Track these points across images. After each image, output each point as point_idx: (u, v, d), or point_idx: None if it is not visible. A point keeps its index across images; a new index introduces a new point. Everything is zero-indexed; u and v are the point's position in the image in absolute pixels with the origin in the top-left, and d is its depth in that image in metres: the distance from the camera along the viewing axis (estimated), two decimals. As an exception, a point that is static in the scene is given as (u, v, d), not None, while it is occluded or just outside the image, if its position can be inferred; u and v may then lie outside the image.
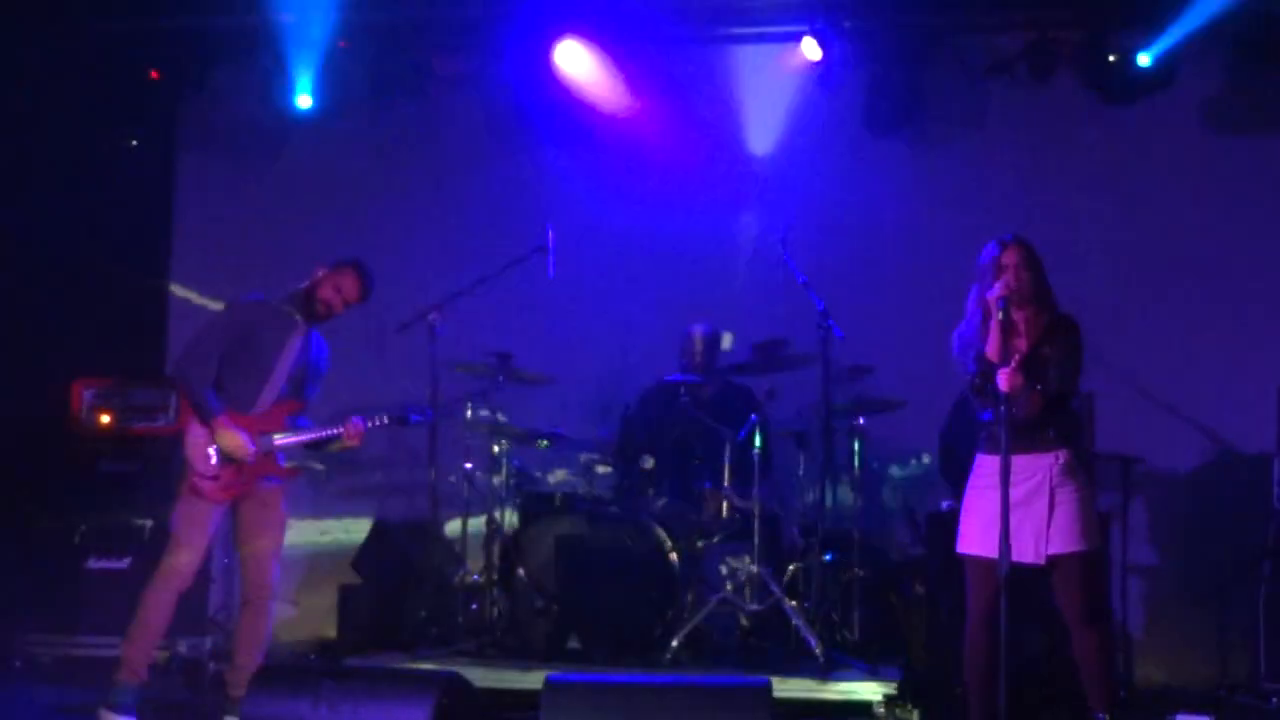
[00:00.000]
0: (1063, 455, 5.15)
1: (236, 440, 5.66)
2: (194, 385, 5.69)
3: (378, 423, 5.99)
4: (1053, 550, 5.09)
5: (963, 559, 5.24)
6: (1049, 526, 5.09)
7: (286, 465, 5.93)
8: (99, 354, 7.87)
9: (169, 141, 8.65)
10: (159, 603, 5.71)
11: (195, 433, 5.71)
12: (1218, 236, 7.61)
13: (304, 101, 8.10)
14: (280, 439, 5.82)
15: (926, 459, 7.46)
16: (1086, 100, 7.65)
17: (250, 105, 8.44)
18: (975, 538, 5.17)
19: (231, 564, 7.92)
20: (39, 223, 7.88)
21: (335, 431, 5.90)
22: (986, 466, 5.18)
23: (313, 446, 6.02)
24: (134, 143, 8.38)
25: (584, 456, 7.45)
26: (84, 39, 8.00)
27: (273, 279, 8.37)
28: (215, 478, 5.70)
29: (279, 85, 8.11)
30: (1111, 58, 7.38)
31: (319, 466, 7.13)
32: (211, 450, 5.69)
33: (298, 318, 5.89)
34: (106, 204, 8.18)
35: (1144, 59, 7.29)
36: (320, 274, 5.92)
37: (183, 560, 5.73)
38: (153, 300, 8.53)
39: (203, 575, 7.40)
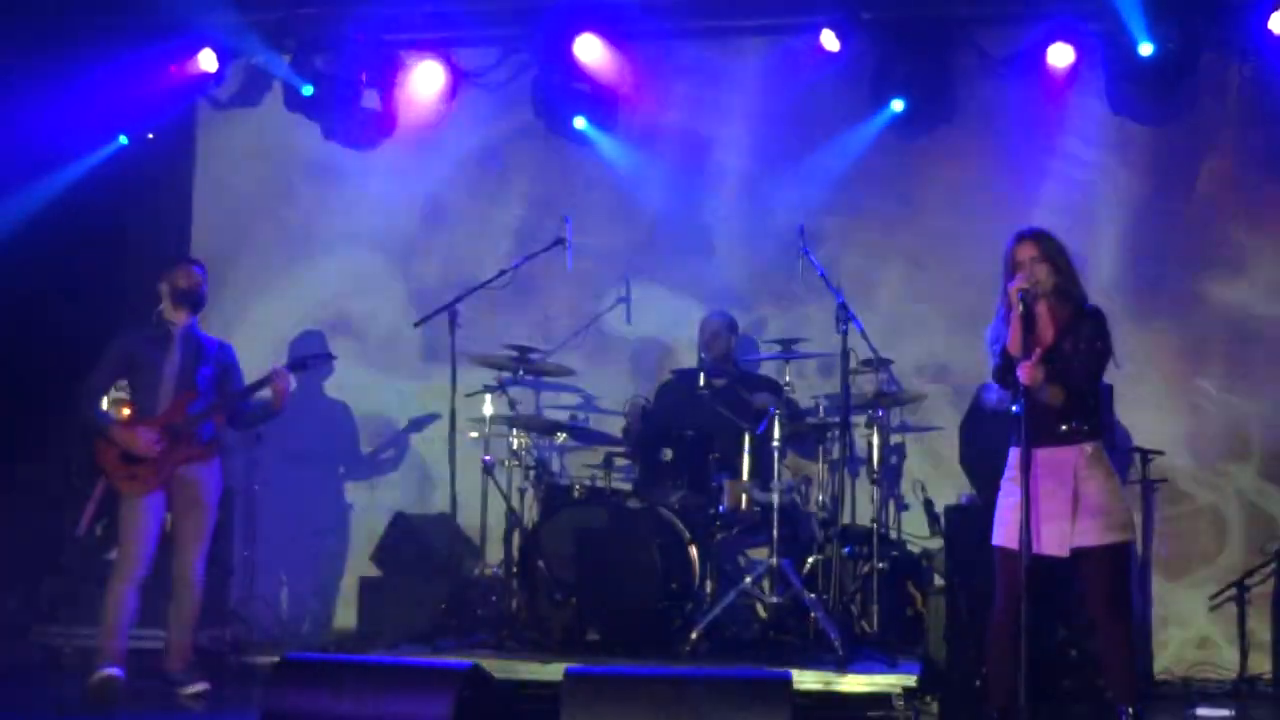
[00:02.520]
0: (1089, 447, 5.14)
1: (133, 437, 6.31)
2: (86, 412, 6.45)
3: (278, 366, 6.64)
4: (1078, 543, 5.08)
5: (994, 550, 5.24)
6: (1074, 519, 5.08)
7: (201, 445, 6.48)
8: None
9: (189, 135, 8.65)
10: (115, 595, 6.27)
11: (101, 445, 6.41)
12: (1242, 226, 7.56)
13: (319, 93, 8.07)
14: (196, 413, 6.45)
15: (946, 451, 7.44)
16: (1107, 90, 7.61)
17: (268, 98, 8.46)
18: (1005, 530, 5.18)
19: (251, 556, 8.00)
20: (59, 219, 7.92)
21: (263, 378, 6.52)
22: (1016, 459, 5.18)
23: (238, 415, 6.69)
24: (151, 136, 8.39)
25: (603, 449, 7.46)
26: (103, 34, 8.01)
27: (288, 274, 8.50)
28: (132, 476, 6.33)
29: (295, 77, 8.10)
30: (1131, 49, 7.32)
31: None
32: (118, 455, 6.34)
33: (169, 326, 6.54)
34: (127, 197, 8.20)
35: (1145, 49, 7.24)
36: (162, 285, 6.57)
37: (127, 554, 6.30)
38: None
39: (222, 568, 7.48)
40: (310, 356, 7.08)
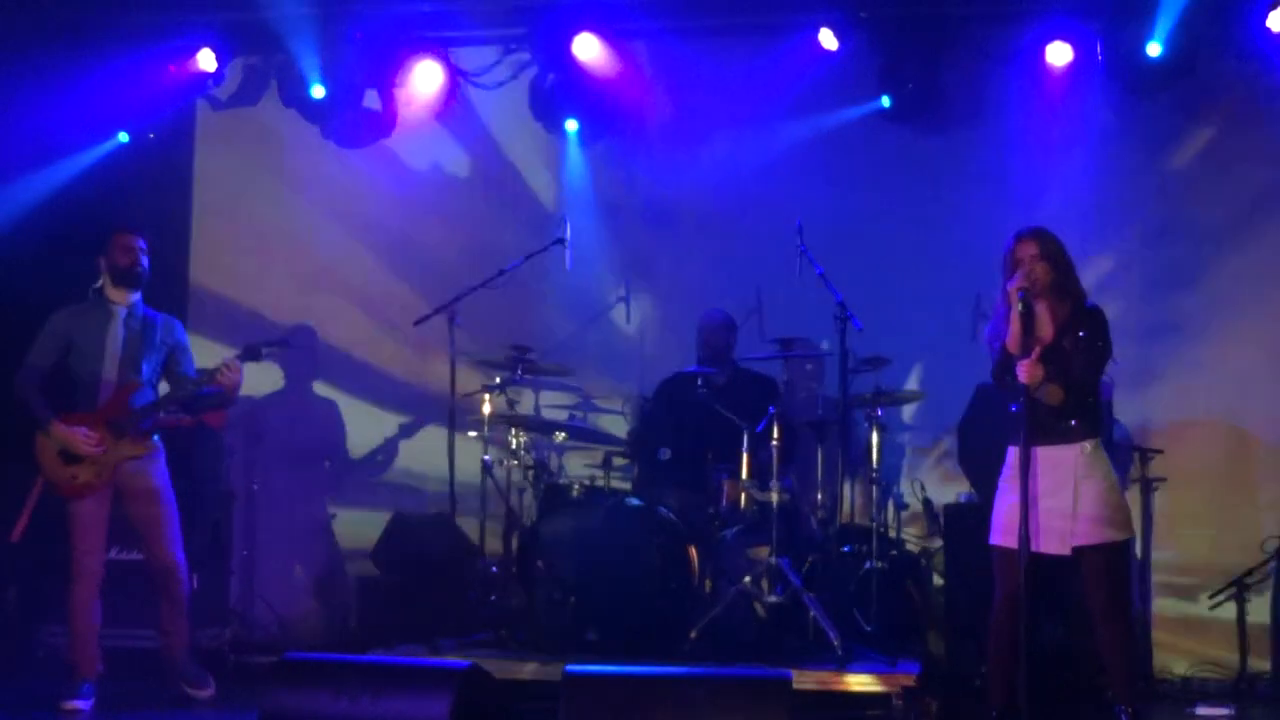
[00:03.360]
0: (1088, 446, 5.15)
1: (72, 435, 5.99)
2: (28, 401, 6.07)
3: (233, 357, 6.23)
4: (1079, 541, 5.09)
5: (991, 549, 5.24)
6: (1075, 517, 5.09)
7: (144, 438, 6.14)
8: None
9: (188, 135, 8.65)
10: (77, 601, 6.09)
11: (40, 442, 6.08)
12: (1242, 224, 7.57)
13: (318, 92, 8.09)
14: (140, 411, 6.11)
15: (945, 450, 7.44)
16: (1105, 88, 7.61)
17: (266, 97, 8.46)
18: (1003, 529, 5.18)
19: (250, 556, 8.00)
20: (58, 215, 7.91)
21: (211, 370, 6.17)
22: (1015, 458, 5.18)
23: (189, 404, 6.35)
24: (152, 135, 8.39)
25: (603, 449, 7.45)
26: (104, 32, 8.01)
27: (290, 270, 8.50)
28: (73, 477, 6.03)
29: (294, 76, 8.10)
30: (1130, 48, 7.33)
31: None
32: (57, 453, 6.05)
33: (110, 303, 6.16)
34: (127, 197, 8.20)
35: (1154, 48, 7.24)
36: (100, 260, 6.23)
37: (81, 561, 6.08)
38: (173, 293, 8.53)
39: (222, 568, 7.48)
40: (263, 343, 6.49)
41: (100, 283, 6.25)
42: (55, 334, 6.17)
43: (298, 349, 7.75)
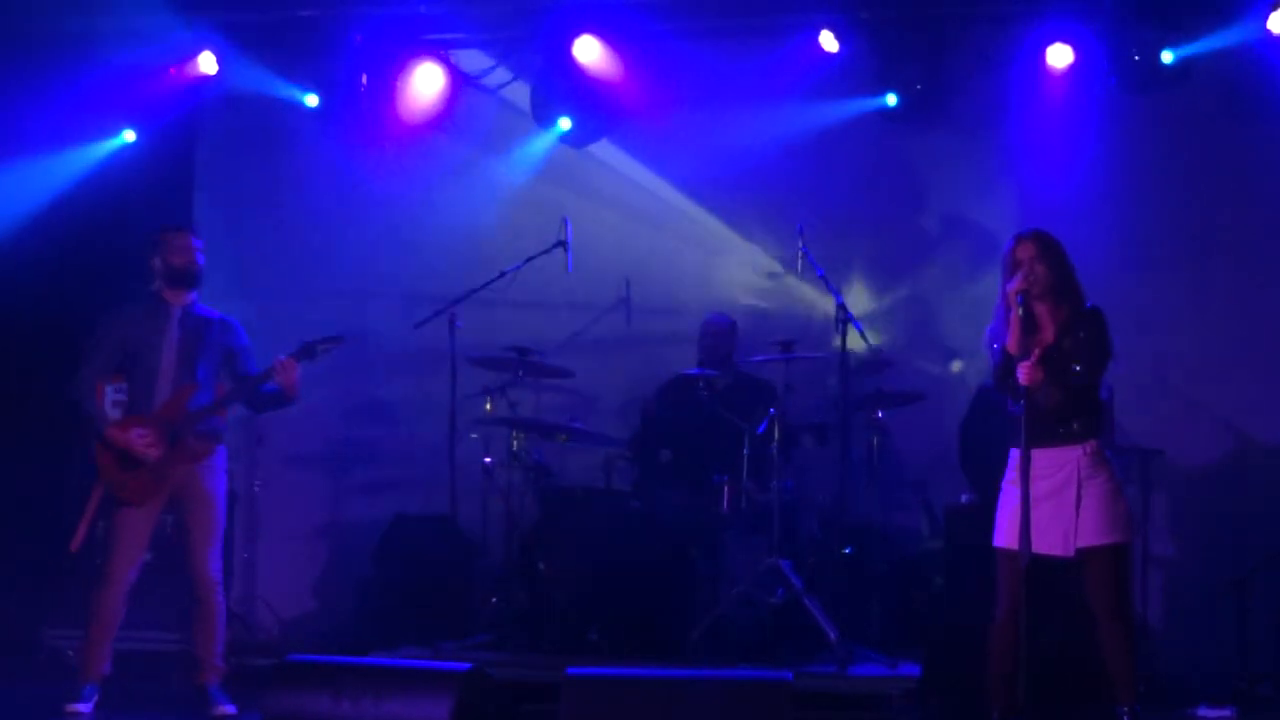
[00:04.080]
0: (1090, 447, 5.15)
1: (129, 439, 5.84)
2: (84, 406, 5.93)
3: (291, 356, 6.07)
4: (1082, 543, 5.09)
5: (996, 551, 5.24)
6: (1077, 519, 5.09)
7: (201, 442, 5.99)
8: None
9: (190, 137, 8.66)
10: (103, 606, 5.93)
11: (99, 449, 5.93)
12: (1241, 226, 7.57)
13: (319, 95, 8.10)
14: (196, 413, 5.95)
15: (946, 452, 7.44)
16: (1105, 89, 7.62)
17: (267, 99, 8.47)
18: (1006, 531, 5.18)
19: (251, 558, 8.01)
20: (60, 221, 7.92)
21: (266, 371, 6.01)
22: (1017, 460, 5.18)
23: (250, 402, 6.15)
24: (151, 136, 8.40)
25: (603, 450, 7.46)
26: (101, 34, 8.02)
27: (290, 272, 8.50)
28: (131, 483, 5.87)
29: (295, 79, 8.11)
30: (1135, 53, 7.33)
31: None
32: (115, 459, 5.89)
33: (166, 304, 6.03)
34: (126, 199, 8.21)
35: (1167, 56, 7.25)
36: (154, 260, 6.07)
37: (118, 567, 5.92)
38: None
39: (223, 570, 7.47)
40: (318, 341, 6.19)
41: (155, 284, 6.08)
42: (109, 338, 6.01)
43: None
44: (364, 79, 8.13)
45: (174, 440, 5.91)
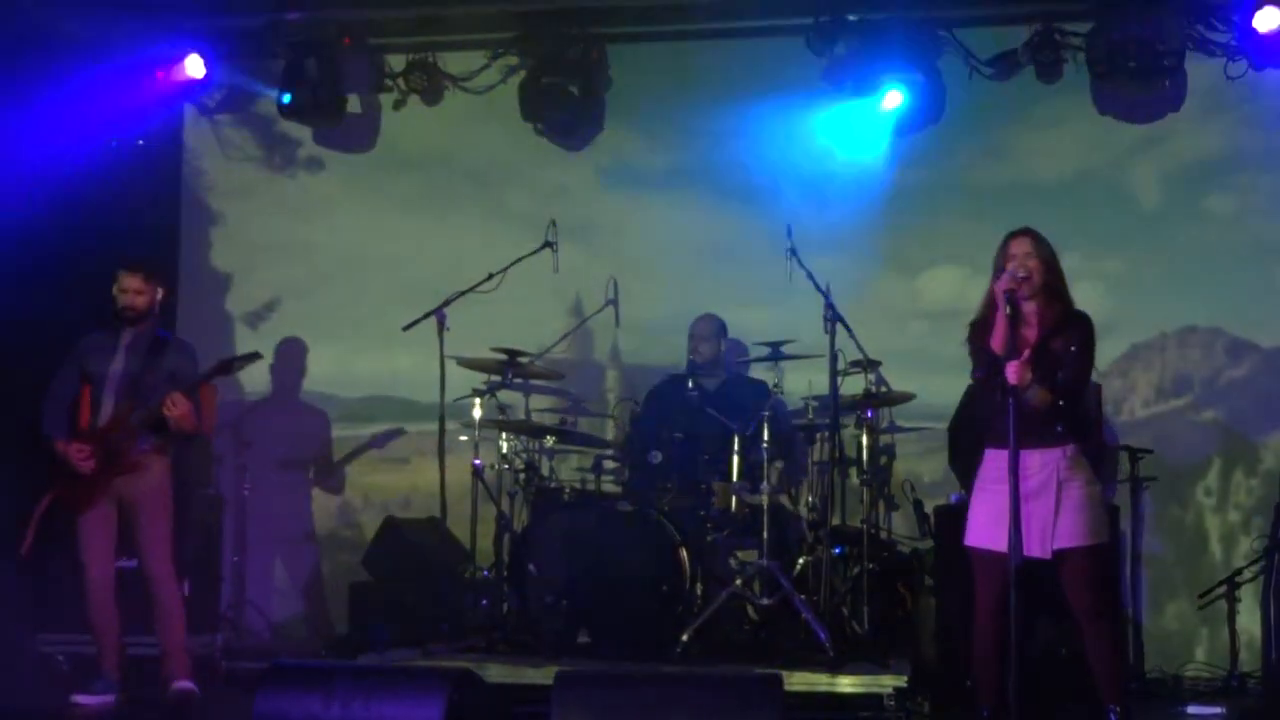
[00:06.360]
0: (1070, 449, 5.14)
1: (69, 454, 6.28)
2: (43, 426, 6.40)
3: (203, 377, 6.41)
4: (1060, 545, 5.08)
5: (970, 552, 5.23)
6: (1056, 521, 5.08)
7: (139, 455, 6.31)
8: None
9: (176, 141, 8.64)
10: (88, 613, 6.35)
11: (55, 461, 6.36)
12: (1234, 222, 7.59)
13: (306, 98, 8.08)
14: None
15: (936, 452, 7.45)
16: (1093, 90, 7.63)
17: (255, 103, 8.46)
18: (983, 531, 5.16)
19: (241, 562, 7.99)
20: (46, 227, 7.89)
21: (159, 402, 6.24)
22: (994, 460, 5.17)
23: (158, 429, 6.33)
24: (140, 142, 8.37)
25: (594, 452, 7.46)
26: (89, 39, 8.00)
27: (278, 275, 8.49)
28: (71, 493, 6.32)
29: (282, 83, 8.10)
30: (1116, 49, 7.33)
31: None
32: (64, 471, 6.32)
33: (121, 333, 6.43)
34: (114, 206, 8.18)
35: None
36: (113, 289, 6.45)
37: (89, 571, 6.32)
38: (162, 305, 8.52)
39: (212, 574, 7.46)
40: (235, 359, 6.57)
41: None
42: (72, 361, 6.49)
43: (277, 356, 7.79)
44: (351, 81, 8.14)
45: (110, 455, 6.28)
